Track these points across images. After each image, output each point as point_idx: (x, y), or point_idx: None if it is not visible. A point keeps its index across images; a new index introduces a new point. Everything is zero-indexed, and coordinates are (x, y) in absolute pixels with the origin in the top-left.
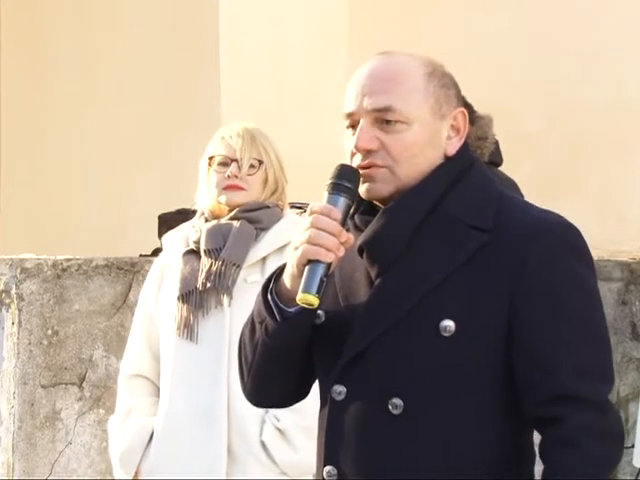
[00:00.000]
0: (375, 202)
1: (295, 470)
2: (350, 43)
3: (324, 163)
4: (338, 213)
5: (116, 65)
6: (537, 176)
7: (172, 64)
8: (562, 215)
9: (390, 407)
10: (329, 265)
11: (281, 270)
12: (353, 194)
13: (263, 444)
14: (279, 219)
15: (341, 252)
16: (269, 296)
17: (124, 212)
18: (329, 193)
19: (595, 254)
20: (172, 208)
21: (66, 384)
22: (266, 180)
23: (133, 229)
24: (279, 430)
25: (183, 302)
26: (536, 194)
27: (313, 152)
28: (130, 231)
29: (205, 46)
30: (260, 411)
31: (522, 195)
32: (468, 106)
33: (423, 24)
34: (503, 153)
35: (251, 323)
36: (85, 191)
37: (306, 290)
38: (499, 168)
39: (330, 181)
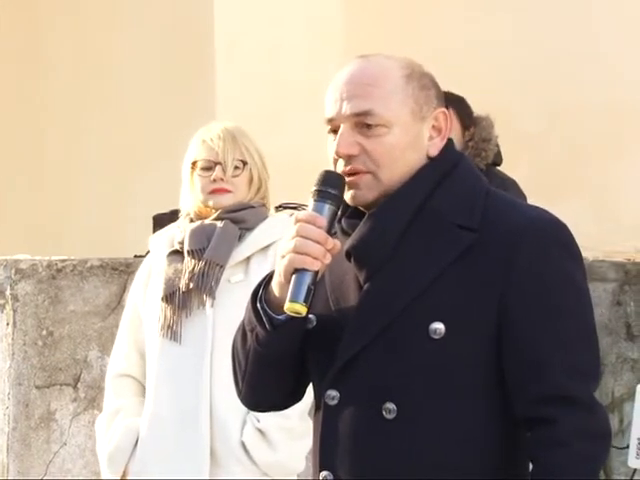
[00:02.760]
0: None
1: (276, 471)
2: (347, 43)
3: (321, 163)
4: (323, 220)
5: (112, 67)
6: (534, 176)
7: (168, 65)
8: (555, 214)
9: (384, 412)
10: (316, 273)
11: (270, 277)
12: (338, 200)
13: (243, 445)
14: (264, 219)
15: (327, 259)
16: (258, 304)
17: (119, 213)
18: (314, 200)
19: (590, 254)
20: (167, 209)
21: (61, 385)
22: (251, 180)
23: (128, 230)
24: (259, 431)
25: (167, 303)
26: (533, 194)
27: (310, 152)
28: (125, 232)
29: (201, 47)
30: (242, 412)
31: (524, 194)
32: (467, 106)
33: (422, 24)
34: (501, 153)
35: (242, 330)
36: (80, 192)
37: (293, 299)
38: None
39: (315, 188)
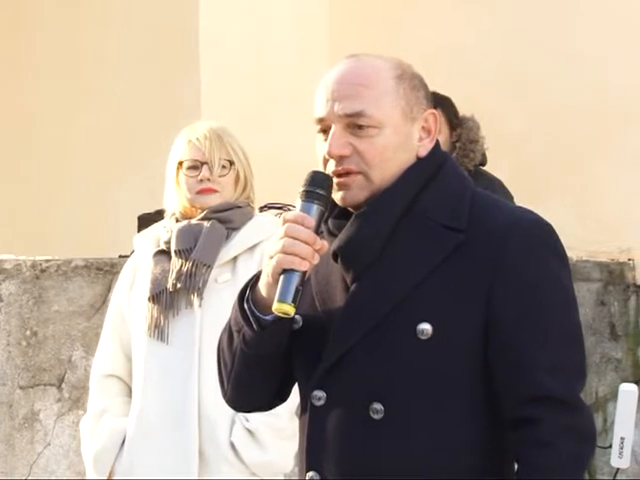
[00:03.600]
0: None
1: (265, 470)
2: (332, 43)
3: (305, 164)
4: (312, 221)
5: (98, 67)
6: (517, 176)
7: (154, 65)
8: (538, 214)
9: (371, 412)
10: (304, 274)
11: (257, 278)
12: (326, 201)
13: (232, 445)
14: (250, 218)
15: (316, 260)
16: (245, 305)
17: (104, 213)
18: (302, 201)
19: (574, 255)
20: (152, 209)
21: (45, 385)
22: (237, 179)
23: (113, 230)
24: (248, 431)
25: (154, 303)
26: (516, 195)
27: (295, 153)
28: (110, 232)
29: (186, 48)
30: (231, 412)
31: (511, 195)
32: (453, 106)
33: (405, 25)
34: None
35: (228, 331)
36: (65, 192)
37: (282, 300)
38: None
39: (303, 188)
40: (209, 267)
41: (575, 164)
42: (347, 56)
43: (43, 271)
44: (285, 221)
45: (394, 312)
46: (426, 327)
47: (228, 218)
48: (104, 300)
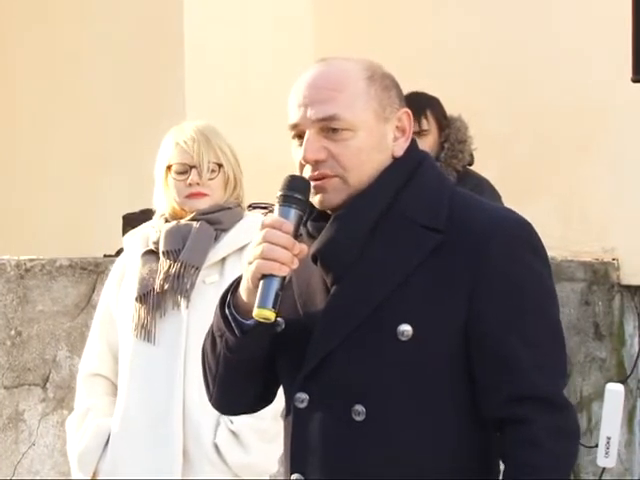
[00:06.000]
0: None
1: (247, 472)
2: (315, 44)
3: (289, 165)
4: (290, 225)
5: (82, 67)
6: (502, 177)
7: (138, 66)
8: (523, 215)
9: (353, 414)
10: (284, 278)
11: (238, 283)
12: (304, 204)
13: (216, 446)
14: (239, 219)
15: (295, 264)
16: (227, 310)
17: (88, 212)
18: (280, 205)
19: (558, 254)
20: (137, 208)
21: (29, 385)
22: (227, 181)
23: (97, 229)
24: (232, 432)
25: (141, 303)
26: (502, 194)
27: (280, 154)
28: (94, 231)
29: (171, 48)
30: (215, 413)
31: (498, 194)
32: (441, 107)
33: (390, 26)
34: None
35: (212, 335)
36: (49, 191)
37: (262, 305)
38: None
39: (280, 193)
40: (197, 269)
41: (559, 165)
42: (317, 61)
43: (27, 271)
44: (263, 226)
45: (375, 314)
46: (406, 328)
47: (217, 219)
48: (88, 300)
